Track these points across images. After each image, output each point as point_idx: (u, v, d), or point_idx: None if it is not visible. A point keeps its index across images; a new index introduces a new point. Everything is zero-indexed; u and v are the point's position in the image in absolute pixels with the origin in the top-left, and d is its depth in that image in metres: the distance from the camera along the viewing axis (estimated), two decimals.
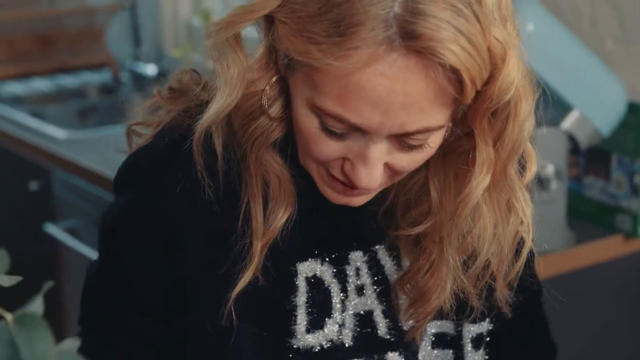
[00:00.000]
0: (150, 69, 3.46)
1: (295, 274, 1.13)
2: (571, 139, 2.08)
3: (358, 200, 1.10)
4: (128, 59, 3.54)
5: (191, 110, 1.13)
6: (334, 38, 0.95)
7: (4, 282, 0.76)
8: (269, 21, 1.03)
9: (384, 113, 0.98)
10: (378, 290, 1.16)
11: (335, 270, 1.15)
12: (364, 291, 1.15)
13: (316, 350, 1.11)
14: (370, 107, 0.98)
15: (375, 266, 1.17)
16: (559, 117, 2.06)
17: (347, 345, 1.13)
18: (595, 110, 2.06)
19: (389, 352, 1.16)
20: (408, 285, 1.16)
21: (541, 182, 2.05)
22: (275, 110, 1.08)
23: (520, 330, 1.27)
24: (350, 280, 1.15)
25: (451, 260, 1.13)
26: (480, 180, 1.06)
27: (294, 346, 1.10)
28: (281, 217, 1.10)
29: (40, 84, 3.42)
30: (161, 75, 3.30)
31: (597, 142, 2.11)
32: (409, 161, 1.05)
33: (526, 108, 1.05)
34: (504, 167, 1.08)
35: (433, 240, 1.13)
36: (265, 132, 1.08)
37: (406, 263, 1.17)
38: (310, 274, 1.13)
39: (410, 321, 1.17)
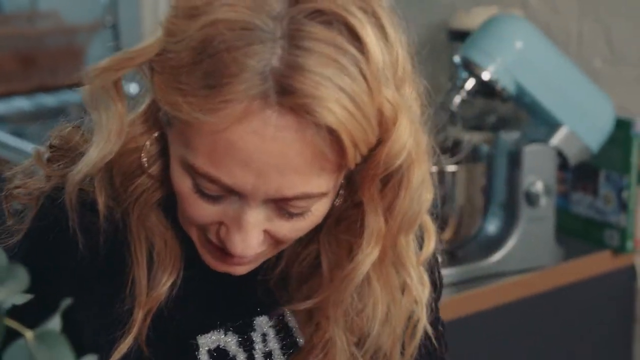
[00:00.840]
0: (132, 88, 3.45)
1: (196, 347, 1.06)
2: (560, 155, 2.08)
3: (239, 270, 1.02)
4: None
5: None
6: (205, 90, 0.89)
7: (19, 300, 0.76)
8: (152, 70, 0.96)
9: (258, 175, 0.91)
10: (287, 354, 1.10)
11: (240, 338, 1.08)
12: (272, 357, 1.09)
13: None
14: (243, 167, 0.91)
15: (283, 330, 1.10)
16: (548, 133, 2.07)
17: None
18: (584, 127, 2.07)
19: None
20: None
21: (530, 198, 2.05)
22: (156, 169, 1.01)
23: None
24: (257, 347, 1.09)
25: (338, 341, 1.05)
26: (368, 254, 0.98)
27: None
28: (165, 282, 1.03)
29: (21, 103, 3.40)
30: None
31: (585, 158, 2.12)
32: (290, 229, 0.98)
33: (419, 175, 0.97)
34: (394, 241, 1.00)
35: (326, 317, 1.05)
36: (147, 191, 1.01)
37: None
38: (213, 346, 1.07)
39: None
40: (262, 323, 1.10)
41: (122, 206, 1.03)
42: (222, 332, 1.08)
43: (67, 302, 0.74)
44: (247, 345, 1.08)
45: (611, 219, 2.23)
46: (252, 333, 1.09)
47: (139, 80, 1.02)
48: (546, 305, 2.14)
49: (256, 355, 1.09)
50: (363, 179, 0.96)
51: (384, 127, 0.92)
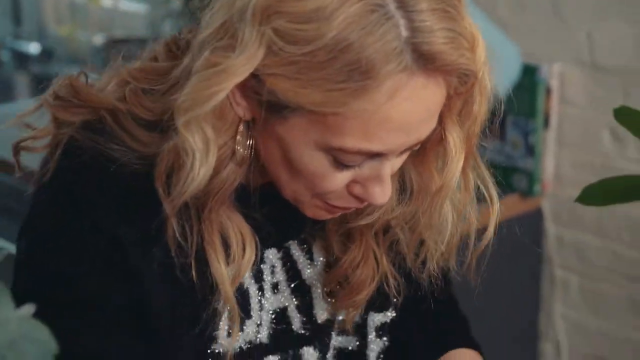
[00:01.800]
0: (32, 48, 3.39)
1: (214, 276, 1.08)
2: None
3: (338, 215, 1.09)
4: (8, 37, 3.47)
5: (93, 126, 1.05)
6: (353, 83, 0.93)
7: None
8: (257, 77, 0.97)
9: (406, 133, 0.98)
10: (292, 286, 1.15)
11: (252, 271, 1.12)
12: (279, 288, 1.14)
13: (235, 352, 1.09)
14: (395, 133, 0.97)
15: (288, 262, 1.15)
16: None
17: (263, 343, 1.12)
18: (491, 73, 2.10)
19: (303, 347, 1.15)
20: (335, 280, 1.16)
21: None
22: (245, 154, 1.03)
23: (432, 312, 1.25)
24: (267, 279, 1.13)
25: (379, 251, 1.14)
26: (457, 161, 1.05)
27: (215, 351, 1.08)
28: (249, 259, 1.06)
29: None
30: (45, 53, 3.23)
31: (492, 103, 2.16)
32: (401, 162, 1.05)
33: (491, 79, 1.04)
34: (472, 146, 1.07)
35: (364, 233, 1.13)
36: (228, 182, 1.02)
37: (319, 257, 1.17)
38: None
39: (325, 314, 1.17)
40: (272, 255, 1.14)
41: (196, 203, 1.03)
42: None
43: (4, 252, 0.74)
44: (258, 277, 1.12)
45: (519, 164, 2.29)
46: (262, 265, 1.12)
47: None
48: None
49: (265, 287, 1.12)
50: (450, 98, 1.01)
51: (474, 50, 0.99)
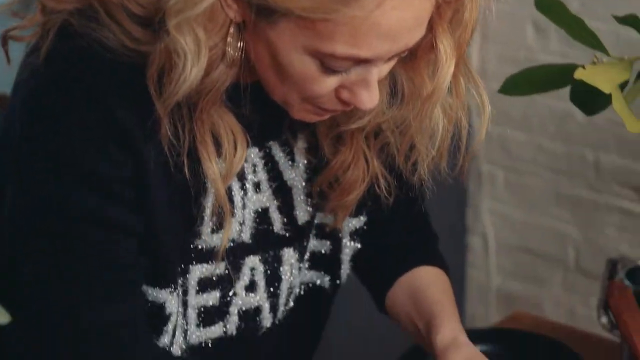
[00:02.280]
0: None
1: (205, 176, 1.09)
2: None
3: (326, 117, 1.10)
4: None
5: (86, 13, 1.03)
6: None
7: None
8: None
9: (394, 40, 0.98)
10: (273, 186, 1.15)
11: None
12: (261, 187, 1.15)
13: (217, 250, 1.10)
14: (383, 39, 0.98)
15: (270, 162, 1.15)
16: None
17: (245, 242, 1.13)
18: None
19: (284, 248, 1.17)
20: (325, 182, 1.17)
21: None
22: (236, 60, 1.03)
23: (404, 221, 1.29)
24: (249, 177, 1.13)
25: (369, 153, 1.15)
26: (447, 67, 1.05)
27: (198, 247, 1.09)
28: (240, 157, 1.07)
29: None
30: None
31: None
32: (388, 68, 1.05)
33: None
34: (462, 52, 1.08)
35: (355, 135, 1.14)
36: (219, 83, 1.03)
37: (301, 159, 1.18)
38: None
39: (306, 216, 1.18)
40: (253, 154, 1.14)
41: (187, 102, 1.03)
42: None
43: None
44: (239, 174, 1.12)
45: None
46: (244, 164, 1.12)
47: None
48: None
49: (247, 185, 1.13)
50: (439, 6, 1.01)
51: None
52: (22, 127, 1.02)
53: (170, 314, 1.06)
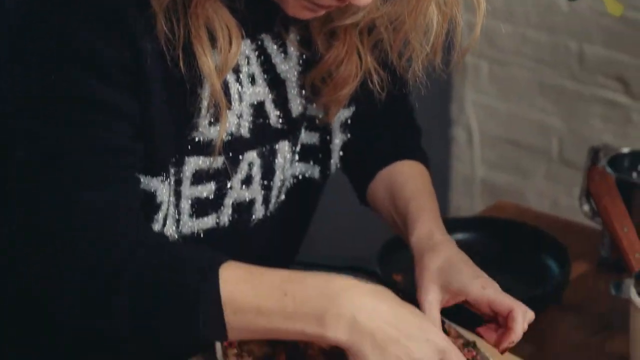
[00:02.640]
0: None
1: (201, 70, 1.08)
2: None
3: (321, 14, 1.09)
4: None
5: None
6: None
7: None
8: None
9: None
10: (267, 79, 1.16)
11: None
12: (255, 80, 1.15)
13: (215, 143, 1.10)
14: None
15: (262, 54, 1.15)
16: None
17: (244, 137, 1.13)
18: None
19: (279, 141, 1.18)
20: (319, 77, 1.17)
21: None
22: None
23: (389, 114, 1.30)
24: (243, 69, 1.13)
25: (363, 49, 1.15)
26: None
27: (195, 139, 1.09)
28: (235, 51, 1.07)
29: None
30: None
31: None
32: None
33: None
34: None
35: (348, 31, 1.14)
36: None
37: (294, 52, 1.18)
38: None
39: (299, 108, 1.19)
40: (245, 45, 1.13)
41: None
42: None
43: None
44: (235, 67, 1.11)
45: None
46: (239, 57, 1.12)
47: None
48: None
49: (242, 77, 1.13)
50: None
51: None
52: (23, 12, 1.02)
53: (160, 203, 1.07)
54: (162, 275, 0.96)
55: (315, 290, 0.94)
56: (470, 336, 1.12)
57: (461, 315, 1.13)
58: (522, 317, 1.06)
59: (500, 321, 1.08)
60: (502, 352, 1.06)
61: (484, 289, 1.07)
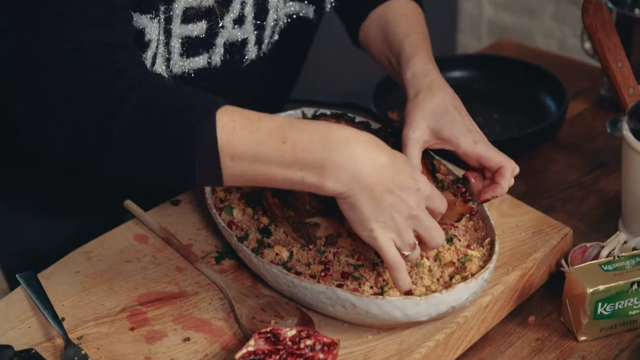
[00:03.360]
0: None
1: None
2: None
3: None
4: None
5: None
6: None
7: None
8: None
9: None
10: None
11: None
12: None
13: None
14: None
15: None
16: None
17: None
18: None
19: None
20: None
21: None
22: None
23: None
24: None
25: None
26: None
27: None
28: None
29: None
30: None
31: None
32: None
33: None
34: None
35: None
36: None
37: None
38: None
39: None
40: None
41: None
42: None
43: None
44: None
45: None
46: None
47: None
48: None
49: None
50: None
51: None
52: None
53: (149, 41, 1.05)
54: (159, 113, 0.92)
55: (315, 138, 0.91)
56: (459, 173, 1.11)
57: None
58: (511, 174, 1.05)
59: (486, 175, 1.06)
60: (483, 202, 1.05)
61: (475, 144, 1.04)
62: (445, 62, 1.46)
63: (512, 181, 1.05)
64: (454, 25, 2.73)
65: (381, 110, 1.39)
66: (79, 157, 0.93)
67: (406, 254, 0.93)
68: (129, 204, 1.17)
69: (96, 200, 1.23)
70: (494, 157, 1.05)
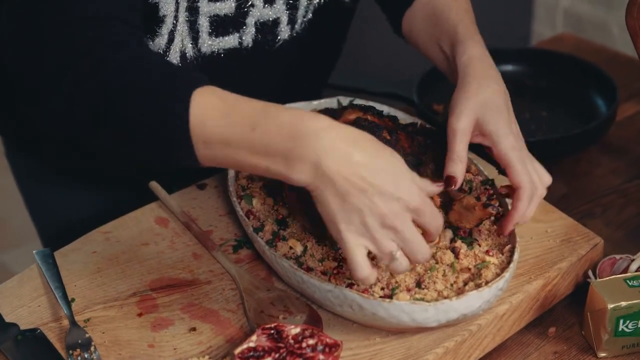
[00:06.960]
0: None
1: None
2: None
3: None
4: None
5: None
6: None
7: None
8: None
9: None
10: None
11: None
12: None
13: None
14: None
15: None
16: None
17: None
18: None
19: None
20: None
21: None
22: None
23: None
24: None
25: None
26: None
27: None
28: None
29: None
30: None
31: None
32: None
33: None
34: None
35: None
36: None
37: None
38: None
39: None
40: None
41: None
42: None
43: None
44: None
45: None
46: None
47: None
48: None
49: None
50: None
51: None
52: None
53: (164, 16, 1.03)
54: (145, 89, 0.90)
55: (285, 128, 0.87)
56: (490, 174, 1.07)
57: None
58: (528, 199, 0.98)
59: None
60: (506, 235, 0.99)
61: (511, 149, 0.99)
62: (496, 54, 1.41)
63: (533, 209, 0.99)
64: (530, 13, 2.66)
65: (425, 101, 1.35)
66: (71, 127, 0.93)
67: (383, 264, 0.89)
68: (154, 185, 1.15)
69: (127, 178, 1.23)
70: (518, 174, 0.98)
